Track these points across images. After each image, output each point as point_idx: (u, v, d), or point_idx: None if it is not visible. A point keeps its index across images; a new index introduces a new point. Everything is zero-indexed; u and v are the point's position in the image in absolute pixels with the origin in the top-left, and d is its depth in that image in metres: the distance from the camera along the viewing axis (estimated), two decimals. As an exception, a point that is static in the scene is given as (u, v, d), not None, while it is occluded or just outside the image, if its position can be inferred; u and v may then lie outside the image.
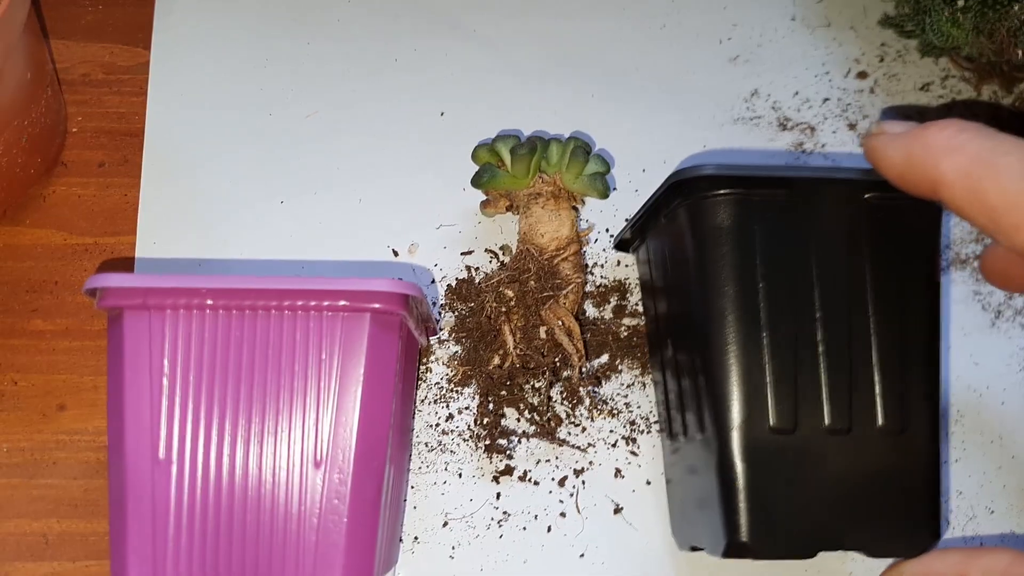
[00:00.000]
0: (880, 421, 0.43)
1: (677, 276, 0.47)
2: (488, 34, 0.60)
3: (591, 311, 0.53)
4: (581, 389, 0.51)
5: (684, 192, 0.44)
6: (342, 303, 0.39)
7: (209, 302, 0.39)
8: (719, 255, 0.43)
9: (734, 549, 0.42)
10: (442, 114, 0.58)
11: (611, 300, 0.54)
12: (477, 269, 0.54)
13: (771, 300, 0.43)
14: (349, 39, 0.59)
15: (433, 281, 0.54)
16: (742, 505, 0.42)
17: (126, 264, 0.53)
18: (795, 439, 0.42)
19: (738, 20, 0.62)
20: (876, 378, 0.43)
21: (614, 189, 0.55)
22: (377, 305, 0.39)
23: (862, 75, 0.61)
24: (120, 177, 0.55)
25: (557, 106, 0.58)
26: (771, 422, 0.42)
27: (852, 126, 0.59)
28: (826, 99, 0.60)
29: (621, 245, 0.54)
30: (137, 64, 0.58)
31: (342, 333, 0.39)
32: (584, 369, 0.51)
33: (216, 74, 0.58)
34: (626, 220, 0.55)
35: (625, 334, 0.53)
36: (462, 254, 0.55)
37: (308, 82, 0.58)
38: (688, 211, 0.44)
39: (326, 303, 0.39)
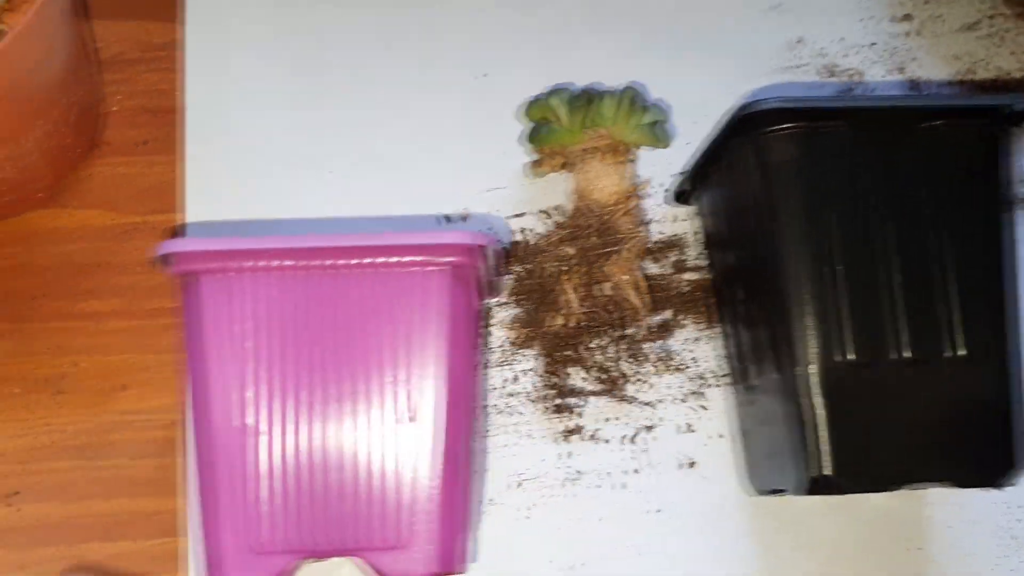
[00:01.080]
0: (959, 351, 0.42)
1: (743, 220, 0.46)
2: (526, -7, 0.59)
3: (650, 267, 0.53)
4: (647, 344, 0.50)
5: (748, 128, 0.44)
6: (422, 257, 0.38)
7: (288, 263, 0.38)
8: (787, 191, 0.43)
9: (816, 485, 0.41)
10: (485, 75, 0.57)
11: (669, 256, 0.53)
12: (531, 231, 0.53)
13: (842, 233, 0.42)
14: (385, 4, 0.58)
15: (488, 244, 0.53)
16: (822, 440, 0.41)
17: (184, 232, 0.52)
18: (873, 372, 0.42)
19: (778, -33, 0.61)
20: (954, 307, 0.42)
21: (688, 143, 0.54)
22: (456, 258, 0.39)
23: (906, 17, 0.60)
24: (162, 155, 0.54)
25: (598, 62, 0.57)
26: (848, 356, 0.42)
27: (900, 69, 0.58)
28: (872, 43, 0.59)
29: (678, 197, 0.53)
30: (170, 40, 0.57)
31: (423, 287, 0.38)
32: (651, 324, 0.50)
33: (253, 45, 0.57)
34: (680, 173, 0.54)
35: (686, 289, 0.52)
36: (513, 216, 0.54)
37: (345, 48, 0.57)
38: (753, 148, 0.44)
39: (406, 258, 0.38)
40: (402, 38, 0.58)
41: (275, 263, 0.38)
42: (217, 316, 0.38)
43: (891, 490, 0.43)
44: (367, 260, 0.38)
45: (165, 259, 0.39)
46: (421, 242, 0.38)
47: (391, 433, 0.38)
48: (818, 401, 0.41)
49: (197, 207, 0.53)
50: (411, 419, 0.38)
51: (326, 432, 0.38)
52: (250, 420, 0.38)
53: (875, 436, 0.42)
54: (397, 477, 0.38)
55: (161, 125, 0.54)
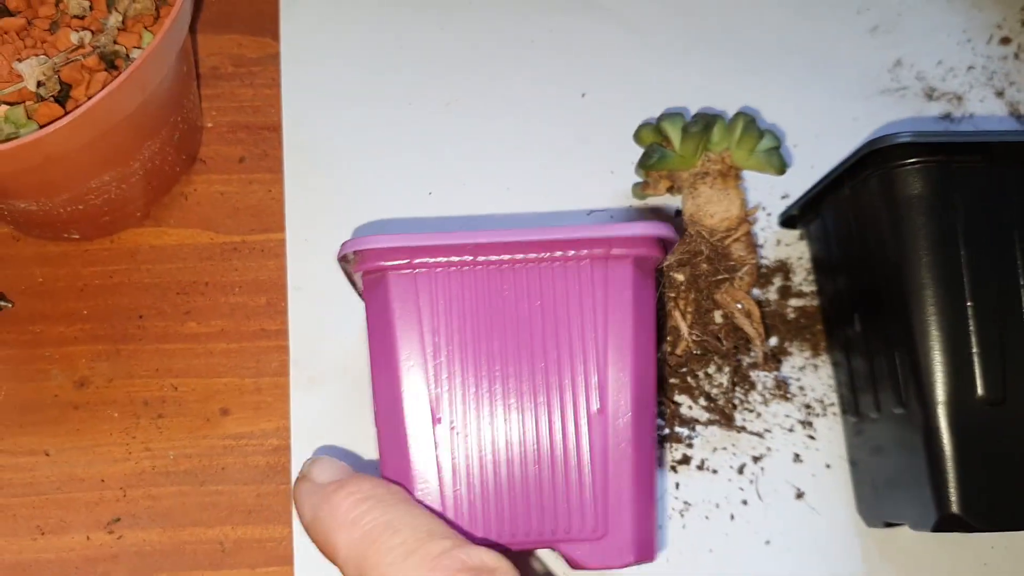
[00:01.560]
0: None
1: (865, 251, 0.45)
2: (624, 12, 0.58)
3: (754, 293, 0.52)
4: (753, 373, 0.50)
5: (878, 162, 0.43)
6: (608, 249, 0.39)
7: (469, 258, 0.38)
8: (918, 224, 0.42)
9: (943, 523, 0.41)
10: (583, 95, 0.56)
11: (774, 281, 0.52)
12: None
13: (973, 268, 0.42)
14: (481, 21, 0.58)
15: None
16: (952, 478, 0.41)
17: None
18: (1005, 409, 0.41)
19: (874, -11, 0.60)
20: None
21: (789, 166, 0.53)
22: (641, 249, 0.39)
23: (1005, 40, 0.59)
24: (261, 173, 0.53)
25: (697, 83, 0.57)
26: (979, 393, 0.41)
27: (1000, 93, 0.58)
28: (970, 67, 0.58)
29: (786, 222, 0.52)
30: (266, 55, 0.56)
31: (607, 279, 0.39)
32: (765, 352, 0.49)
33: (348, 62, 0.56)
34: (782, 197, 0.54)
35: (792, 316, 0.51)
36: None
37: (443, 66, 0.56)
38: (882, 181, 0.43)
39: (593, 250, 0.39)
40: (498, 57, 0.57)
41: (459, 258, 0.38)
42: (404, 312, 0.38)
43: (1020, 529, 0.42)
44: (555, 253, 0.38)
45: (346, 258, 0.39)
46: (609, 234, 0.38)
47: (582, 424, 0.38)
48: (948, 438, 0.41)
49: (299, 228, 0.52)
50: (600, 410, 0.38)
51: (517, 425, 0.38)
52: (441, 415, 0.38)
53: (1005, 475, 0.41)
54: (590, 468, 0.38)
55: (258, 142, 0.54)
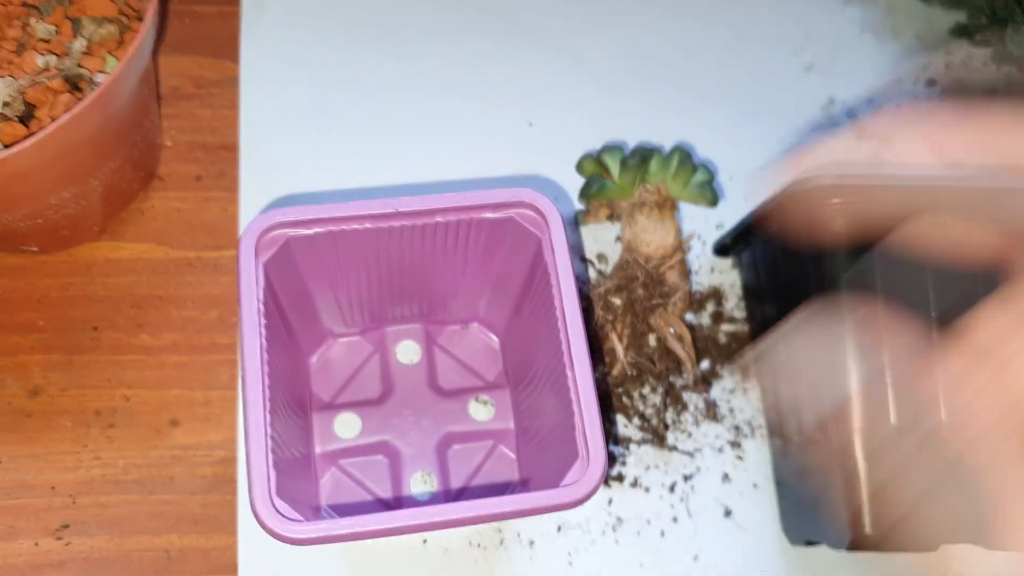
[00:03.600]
0: None
1: (791, 281, 0.48)
2: (572, 47, 0.61)
3: (688, 317, 0.54)
4: (685, 394, 0.52)
5: (801, 200, 0.45)
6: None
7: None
8: (837, 260, 0.45)
9: (858, 542, 0.43)
10: (531, 125, 0.59)
11: (707, 307, 0.55)
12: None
13: (888, 300, 0.44)
14: (437, 50, 0.60)
15: (534, 290, 0.55)
16: (866, 501, 0.43)
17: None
18: (916, 435, 0.44)
19: (810, 31, 0.63)
20: None
21: (723, 198, 0.56)
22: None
23: (931, 82, 0.62)
24: (217, 191, 0.55)
25: (641, 116, 0.59)
26: (892, 420, 0.43)
27: (926, 133, 0.61)
28: (898, 106, 0.61)
29: (719, 251, 0.55)
30: (226, 77, 0.58)
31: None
32: (694, 375, 0.52)
33: (306, 87, 0.58)
34: (717, 227, 0.56)
35: (724, 340, 0.54)
36: (558, 263, 0.55)
37: (398, 94, 0.58)
38: (804, 219, 0.45)
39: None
40: (451, 87, 0.59)
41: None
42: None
43: (930, 550, 0.44)
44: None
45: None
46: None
47: None
48: (860, 463, 0.43)
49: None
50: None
51: None
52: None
53: (916, 498, 0.43)
54: None
55: (215, 161, 0.55)
